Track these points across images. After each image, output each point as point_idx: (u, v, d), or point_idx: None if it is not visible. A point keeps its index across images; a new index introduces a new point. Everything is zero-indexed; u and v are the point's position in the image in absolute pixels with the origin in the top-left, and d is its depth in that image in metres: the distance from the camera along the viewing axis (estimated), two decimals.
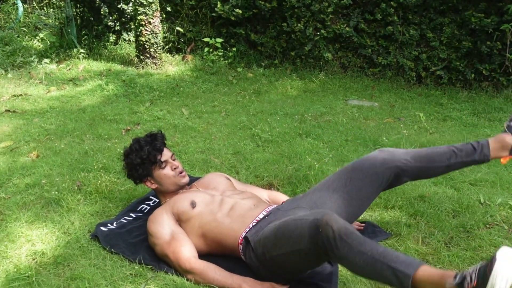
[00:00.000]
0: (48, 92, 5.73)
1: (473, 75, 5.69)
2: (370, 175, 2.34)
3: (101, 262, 2.50)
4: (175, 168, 2.71)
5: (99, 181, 3.27)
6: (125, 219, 2.90)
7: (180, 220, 2.53)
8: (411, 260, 1.83)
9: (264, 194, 2.89)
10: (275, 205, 2.55)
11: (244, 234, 2.36)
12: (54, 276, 2.40)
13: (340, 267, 2.36)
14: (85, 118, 4.81)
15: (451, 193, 3.01)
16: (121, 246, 2.63)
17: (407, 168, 2.34)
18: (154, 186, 2.74)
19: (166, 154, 2.73)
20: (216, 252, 2.48)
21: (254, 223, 2.39)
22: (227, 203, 2.52)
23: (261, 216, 2.43)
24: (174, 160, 2.76)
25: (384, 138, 3.92)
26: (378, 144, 3.83)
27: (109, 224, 2.83)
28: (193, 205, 2.52)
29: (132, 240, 2.68)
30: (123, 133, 4.34)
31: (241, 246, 2.36)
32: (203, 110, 4.98)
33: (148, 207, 3.03)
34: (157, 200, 3.01)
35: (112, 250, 2.59)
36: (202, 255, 2.45)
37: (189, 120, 4.68)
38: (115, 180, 3.33)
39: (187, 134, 4.27)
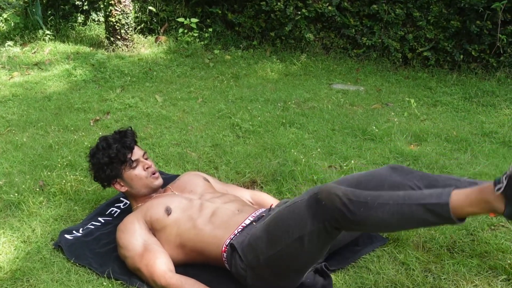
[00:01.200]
0: (11, 78, 5.37)
1: (461, 56, 5.47)
2: None
3: (65, 277, 2.25)
4: (147, 168, 2.44)
5: (64, 181, 2.98)
6: (92, 224, 2.65)
7: (154, 229, 2.28)
8: (439, 190, 1.68)
9: (247, 194, 2.64)
10: (262, 210, 2.30)
11: (228, 241, 2.12)
12: None
13: (334, 280, 2.13)
14: (51, 107, 4.48)
15: None
16: (87, 257, 2.39)
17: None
18: (124, 189, 2.47)
19: (137, 153, 2.46)
20: (196, 262, 2.25)
21: (240, 229, 2.15)
22: (207, 208, 2.28)
23: (247, 222, 2.20)
24: (146, 159, 2.48)
25: (374, 127, 3.68)
26: (367, 133, 3.59)
27: (74, 231, 2.57)
28: (168, 211, 2.27)
29: (100, 250, 2.44)
30: (92, 124, 4.04)
31: (225, 254, 2.13)
32: (178, 96, 4.68)
33: (119, 210, 2.77)
34: (128, 202, 2.74)
35: (78, 262, 2.34)
36: (180, 266, 2.23)
37: (163, 108, 4.39)
38: (82, 179, 3.05)
39: (161, 124, 3.98)
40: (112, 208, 2.78)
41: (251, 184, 2.98)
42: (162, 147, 3.50)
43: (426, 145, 3.42)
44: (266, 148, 3.41)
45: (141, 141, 3.64)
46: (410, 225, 1.77)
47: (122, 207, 2.79)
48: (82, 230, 2.57)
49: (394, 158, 3.22)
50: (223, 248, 2.13)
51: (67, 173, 3.09)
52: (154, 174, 2.44)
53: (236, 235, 2.13)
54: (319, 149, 3.32)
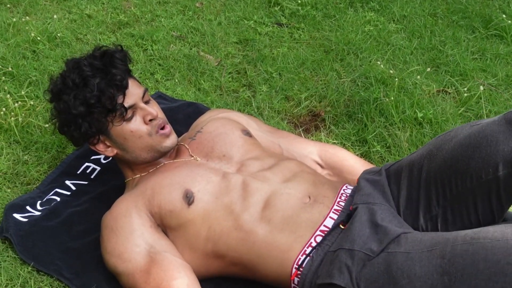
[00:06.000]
0: None
1: None
2: None
3: None
4: (150, 120, 1.99)
5: (4, 109, 2.58)
6: (57, 193, 2.34)
7: (165, 226, 1.92)
8: None
9: (313, 151, 2.27)
10: (348, 191, 1.91)
11: (302, 258, 1.76)
12: None
13: None
14: None
15: None
16: (54, 258, 2.08)
17: None
18: (111, 151, 2.06)
19: (133, 93, 2.00)
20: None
21: (319, 238, 1.78)
22: (256, 193, 1.90)
23: (329, 222, 1.81)
24: (147, 102, 2.03)
25: (501, 13, 3.17)
26: (492, 26, 3.10)
27: (28, 207, 2.26)
28: (188, 198, 1.88)
29: (73, 245, 2.13)
30: None
31: (296, 280, 1.77)
32: None
33: (98, 168, 2.45)
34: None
35: (40, 269, 2.04)
36: (210, 279, 1.95)
37: None
38: (31, 103, 2.64)
39: None
40: (86, 164, 2.43)
41: (311, 120, 2.60)
42: (159, 44, 3.06)
43: None
44: (328, 50, 2.97)
45: (121, 29, 3.19)
46: None
47: (102, 161, 2.44)
48: (40, 205, 2.26)
49: None
50: (293, 271, 1.76)
51: (8, 93, 2.67)
52: (163, 129, 2.00)
53: (314, 248, 1.76)
54: (415, 57, 2.87)
